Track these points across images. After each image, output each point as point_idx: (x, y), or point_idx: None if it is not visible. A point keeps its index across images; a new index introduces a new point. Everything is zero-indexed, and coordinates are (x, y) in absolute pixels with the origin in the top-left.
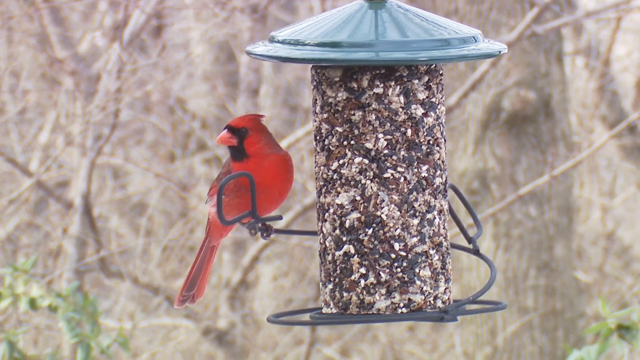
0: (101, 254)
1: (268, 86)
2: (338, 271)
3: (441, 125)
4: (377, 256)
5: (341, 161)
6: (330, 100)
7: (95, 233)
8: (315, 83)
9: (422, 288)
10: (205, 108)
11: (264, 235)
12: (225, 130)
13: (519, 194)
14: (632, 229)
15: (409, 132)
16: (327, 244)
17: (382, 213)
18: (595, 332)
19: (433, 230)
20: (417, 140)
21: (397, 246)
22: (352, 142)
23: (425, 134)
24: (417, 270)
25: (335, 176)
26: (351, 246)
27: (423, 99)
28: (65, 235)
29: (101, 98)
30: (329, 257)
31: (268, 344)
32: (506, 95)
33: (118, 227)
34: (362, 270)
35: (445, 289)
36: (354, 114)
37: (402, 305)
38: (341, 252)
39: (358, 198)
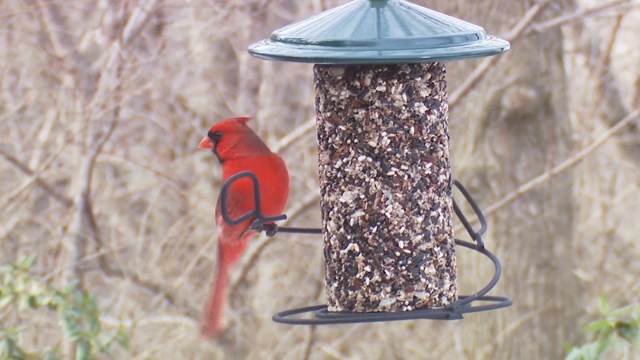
0: (101, 252)
1: (268, 84)
2: (343, 269)
3: (444, 123)
4: (381, 254)
5: (345, 160)
6: (333, 98)
7: (95, 231)
8: (318, 81)
9: (427, 285)
10: (205, 106)
11: (269, 232)
12: (207, 134)
13: (519, 192)
14: (632, 227)
15: (412, 129)
16: (332, 242)
17: (387, 211)
18: (595, 330)
19: (437, 227)
20: (420, 138)
21: (401, 244)
22: (356, 140)
23: (428, 131)
24: (422, 267)
25: (339, 175)
26: (356, 244)
27: (426, 97)
28: (65, 233)
29: (101, 96)
30: (334, 256)
31: (268, 342)
32: (506, 93)
33: (118, 225)
34: (367, 269)
35: (450, 286)
36: (357, 113)
37: (407, 303)
38: (346, 251)
39: (362, 196)
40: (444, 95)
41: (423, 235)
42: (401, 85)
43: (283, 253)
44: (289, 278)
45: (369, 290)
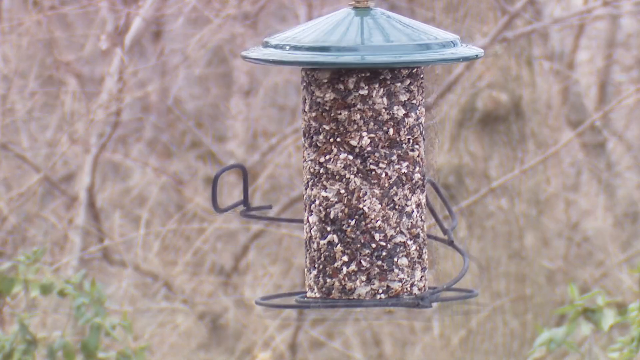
0: (104, 243)
1: (258, 88)
2: (322, 259)
3: (420, 125)
4: (358, 245)
5: (327, 157)
6: (318, 100)
7: (99, 224)
8: (305, 84)
9: (400, 276)
10: (200, 108)
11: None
12: None
13: (492, 187)
14: (594, 220)
15: (391, 131)
16: (313, 233)
17: (365, 206)
18: (564, 313)
19: (411, 222)
20: (398, 139)
21: (377, 237)
22: (338, 139)
23: (405, 133)
24: (395, 259)
25: (321, 170)
26: (335, 236)
27: (404, 101)
28: (71, 226)
29: (104, 99)
30: (314, 246)
31: (258, 328)
32: (480, 96)
33: (120, 218)
34: (345, 258)
35: (421, 277)
36: (340, 114)
37: (381, 291)
38: (325, 241)
39: (342, 191)
40: (421, 100)
41: (397, 229)
42: (382, 89)
43: (272, 244)
44: (277, 268)
45: (346, 279)
